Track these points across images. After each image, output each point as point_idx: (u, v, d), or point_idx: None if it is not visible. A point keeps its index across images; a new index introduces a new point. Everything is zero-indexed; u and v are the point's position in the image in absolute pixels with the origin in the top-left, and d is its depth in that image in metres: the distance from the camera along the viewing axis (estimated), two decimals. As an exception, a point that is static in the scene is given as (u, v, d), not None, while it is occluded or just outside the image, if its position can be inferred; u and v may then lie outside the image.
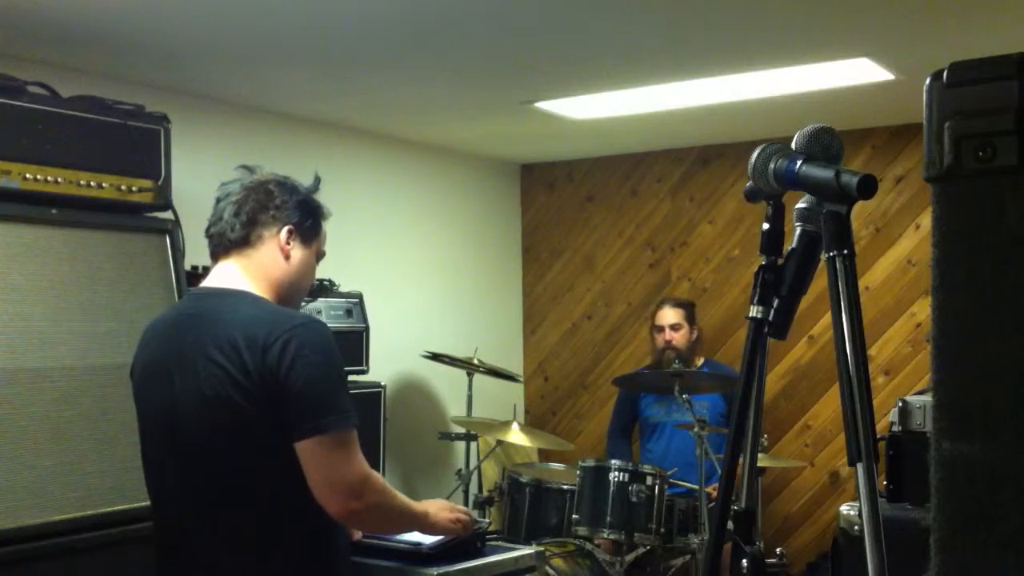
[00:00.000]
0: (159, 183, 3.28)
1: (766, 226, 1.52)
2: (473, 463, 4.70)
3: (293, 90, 4.17)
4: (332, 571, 2.20)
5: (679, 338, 4.94)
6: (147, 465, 2.25)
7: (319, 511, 2.10)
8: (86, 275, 3.04)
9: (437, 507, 2.40)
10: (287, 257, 2.23)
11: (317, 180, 2.33)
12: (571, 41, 3.49)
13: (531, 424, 5.66)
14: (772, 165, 1.48)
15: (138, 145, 3.23)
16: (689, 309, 5.04)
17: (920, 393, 2.30)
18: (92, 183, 3.10)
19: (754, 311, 1.50)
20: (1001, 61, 1.24)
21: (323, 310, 4.09)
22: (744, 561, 1.49)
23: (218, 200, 2.25)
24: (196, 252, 3.32)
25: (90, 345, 3.00)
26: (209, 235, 2.25)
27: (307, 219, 2.27)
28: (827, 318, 4.62)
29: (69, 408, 2.91)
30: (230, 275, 2.21)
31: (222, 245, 2.22)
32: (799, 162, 1.45)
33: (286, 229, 2.22)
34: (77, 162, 3.07)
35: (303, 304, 3.59)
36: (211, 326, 2.10)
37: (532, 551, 2.61)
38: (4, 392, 2.77)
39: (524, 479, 4.32)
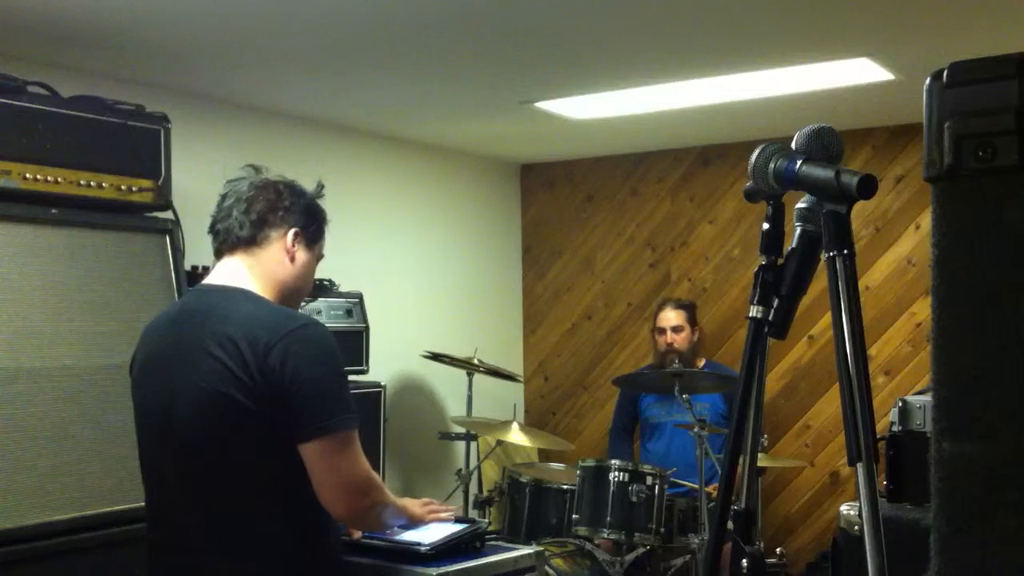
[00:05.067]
0: (159, 183, 3.29)
1: (766, 226, 1.52)
2: (473, 463, 4.70)
3: (293, 90, 4.17)
4: (324, 568, 2.21)
5: (681, 340, 4.93)
6: (143, 460, 2.26)
7: (313, 509, 2.12)
8: (86, 275, 3.04)
9: (409, 501, 2.48)
10: (292, 259, 2.24)
11: (320, 186, 2.36)
12: (571, 41, 3.49)
13: (531, 424, 5.66)
14: (772, 165, 1.48)
15: (138, 145, 3.23)
16: (691, 310, 5.04)
17: (920, 393, 2.29)
18: (92, 183, 3.10)
19: (754, 311, 1.50)
20: (1001, 61, 1.24)
21: (323, 310, 4.09)
22: (744, 561, 1.49)
23: (224, 197, 2.26)
24: (196, 252, 3.33)
25: (90, 345, 3.00)
26: (214, 231, 2.26)
27: (312, 223, 2.29)
28: (827, 318, 4.62)
29: (69, 408, 2.91)
30: (234, 273, 2.21)
31: (228, 242, 2.23)
32: (799, 162, 1.45)
33: (292, 232, 2.24)
34: (77, 162, 3.07)
35: (303, 304, 3.61)
36: (212, 322, 2.11)
37: (532, 551, 2.61)
38: (4, 392, 2.77)
39: (524, 479, 4.32)
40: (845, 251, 1.38)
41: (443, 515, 2.53)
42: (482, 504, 4.44)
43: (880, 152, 4.92)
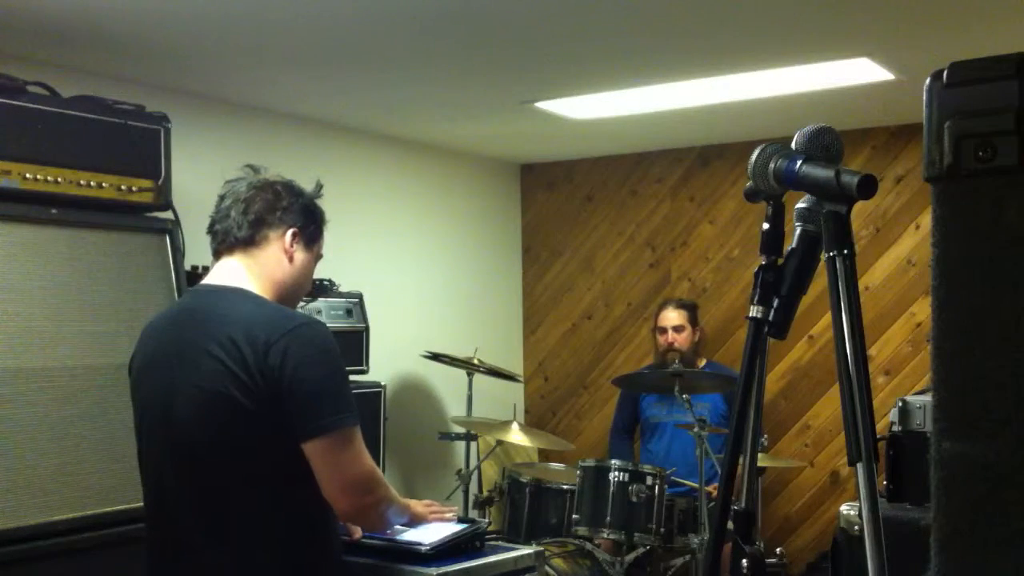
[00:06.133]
0: (159, 183, 3.29)
1: (766, 226, 1.52)
2: (473, 463, 4.70)
3: (293, 90, 4.17)
4: (324, 568, 2.21)
5: (682, 339, 4.94)
6: (142, 460, 2.26)
7: (313, 508, 2.12)
8: (86, 275, 3.04)
9: (411, 501, 2.49)
10: (290, 259, 2.24)
11: (319, 186, 2.36)
12: (571, 41, 3.49)
13: (531, 424, 5.66)
14: (772, 165, 1.48)
15: (138, 145, 3.23)
16: (692, 311, 5.05)
17: (920, 393, 2.30)
18: (92, 183, 3.10)
19: (754, 311, 1.50)
20: (1001, 61, 1.24)
21: (323, 310, 4.09)
22: (744, 561, 1.49)
23: (222, 197, 2.26)
24: (196, 252, 3.33)
25: (90, 345, 3.00)
26: (213, 231, 2.26)
27: (311, 223, 2.29)
28: (827, 318, 4.62)
29: (69, 408, 2.91)
30: (233, 273, 2.21)
31: (227, 243, 2.23)
32: (799, 162, 1.45)
33: (291, 232, 2.24)
34: (77, 162, 3.07)
35: (303, 304, 3.62)
36: (212, 323, 2.11)
37: (532, 551, 2.61)
38: (4, 392, 2.77)
39: (524, 479, 4.32)
40: (845, 251, 1.38)
41: (446, 515, 2.53)
42: (482, 504, 4.44)
43: (880, 152, 4.92)
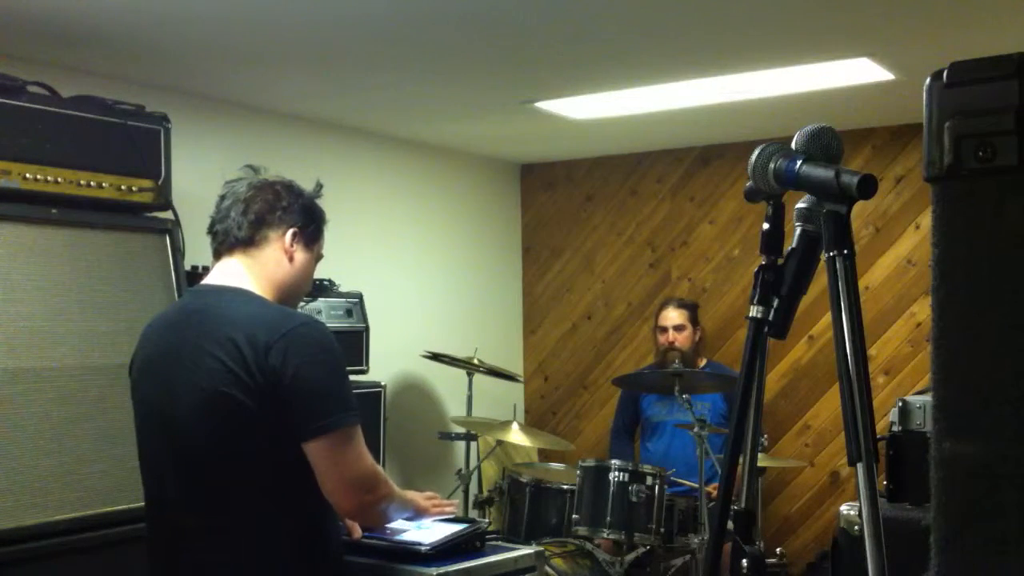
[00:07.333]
0: (159, 183, 3.29)
1: (766, 226, 1.52)
2: (473, 463, 4.70)
3: (293, 90, 4.17)
4: (324, 568, 2.21)
5: (682, 339, 4.94)
6: (143, 461, 2.26)
7: (313, 508, 2.12)
8: (86, 275, 3.04)
9: (412, 493, 2.48)
10: (291, 259, 2.25)
11: (319, 186, 2.36)
12: (571, 41, 3.49)
13: (531, 424, 5.66)
14: (772, 165, 1.48)
15: (138, 145, 3.23)
16: (693, 310, 5.06)
17: (920, 393, 2.30)
18: (92, 183, 3.10)
19: (754, 311, 1.50)
20: (1001, 61, 1.24)
21: (323, 310, 4.09)
22: (744, 561, 1.49)
23: (223, 198, 2.26)
24: (196, 252, 3.34)
25: (90, 345, 3.00)
26: (213, 232, 2.26)
27: (311, 223, 2.29)
28: (827, 318, 4.63)
29: (69, 408, 2.91)
30: (233, 273, 2.21)
31: (227, 243, 2.23)
32: (799, 162, 1.45)
33: (291, 232, 2.24)
34: (77, 162, 3.07)
35: (303, 304, 3.61)
36: (211, 323, 2.11)
37: (532, 551, 2.61)
38: (4, 392, 2.77)
39: (524, 479, 4.32)
40: (845, 251, 1.38)
41: (447, 509, 2.53)
42: (482, 504, 4.44)
43: (880, 152, 4.92)
